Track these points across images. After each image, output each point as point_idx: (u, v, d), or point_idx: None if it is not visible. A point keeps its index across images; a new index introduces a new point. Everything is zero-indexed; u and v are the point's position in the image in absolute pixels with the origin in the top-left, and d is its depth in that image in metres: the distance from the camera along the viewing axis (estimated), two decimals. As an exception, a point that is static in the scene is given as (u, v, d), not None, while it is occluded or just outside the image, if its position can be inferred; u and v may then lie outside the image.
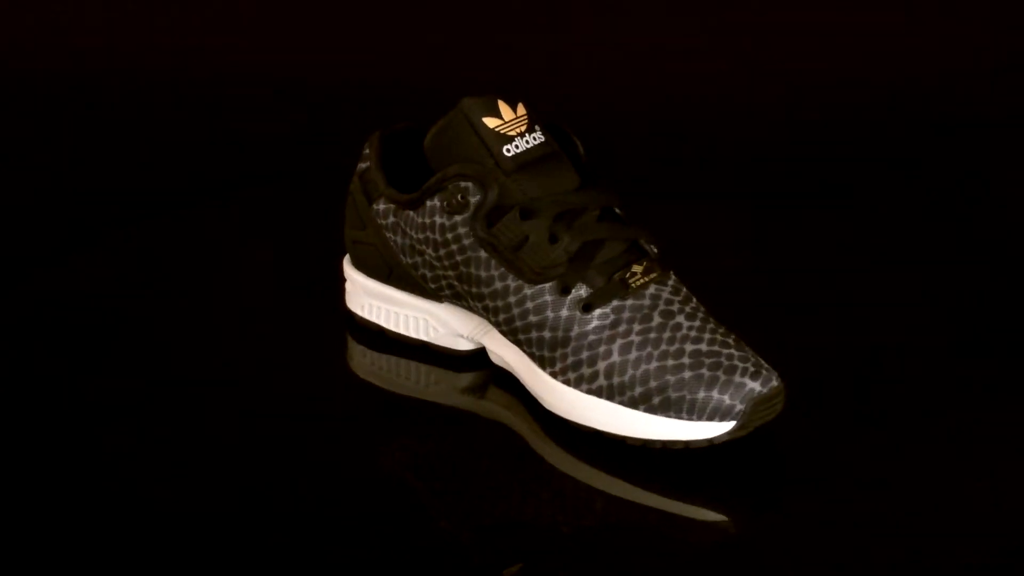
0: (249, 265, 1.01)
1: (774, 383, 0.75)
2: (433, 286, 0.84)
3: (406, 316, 0.87)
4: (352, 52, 1.39)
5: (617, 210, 0.81)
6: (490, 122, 0.80)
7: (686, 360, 0.75)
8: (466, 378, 0.85)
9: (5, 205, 1.15)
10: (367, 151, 0.87)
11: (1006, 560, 0.71)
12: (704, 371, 0.75)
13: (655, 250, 0.81)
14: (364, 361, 0.89)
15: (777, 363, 0.77)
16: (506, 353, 0.82)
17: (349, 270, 0.90)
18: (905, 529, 0.72)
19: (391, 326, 0.88)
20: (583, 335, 0.77)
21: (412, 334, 0.88)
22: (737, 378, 0.74)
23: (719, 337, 0.77)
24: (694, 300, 0.79)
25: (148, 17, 1.42)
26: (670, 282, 0.79)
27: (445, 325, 0.86)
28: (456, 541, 0.71)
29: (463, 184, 0.80)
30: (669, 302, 0.78)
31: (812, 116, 1.32)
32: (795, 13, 1.41)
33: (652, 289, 0.78)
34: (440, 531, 0.72)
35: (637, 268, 0.79)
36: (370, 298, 0.89)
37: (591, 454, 0.77)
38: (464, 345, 0.86)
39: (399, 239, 0.85)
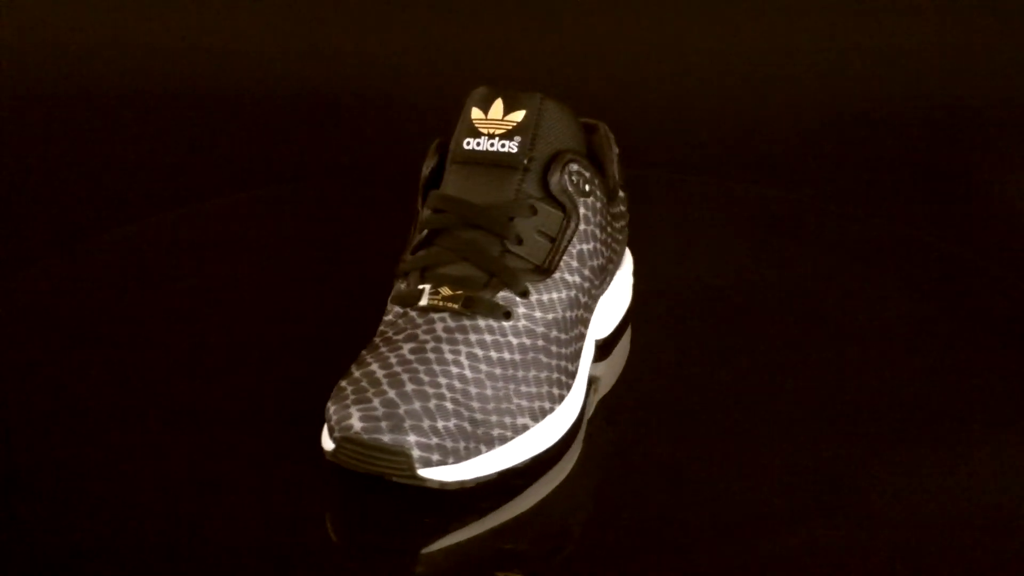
0: (256, 264, 1.00)
1: (384, 439, 0.71)
2: None
3: None
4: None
5: (512, 247, 0.78)
6: (474, 113, 0.81)
7: (358, 373, 0.74)
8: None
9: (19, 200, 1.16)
10: None
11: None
12: (348, 388, 0.74)
13: (516, 298, 0.77)
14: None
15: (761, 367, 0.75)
16: None
17: None
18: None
19: None
20: (382, 323, 0.79)
21: None
22: (353, 407, 0.72)
23: (405, 376, 0.73)
24: (478, 350, 0.75)
25: (150, 20, 1.44)
26: (469, 321, 0.76)
27: None
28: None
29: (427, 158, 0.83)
30: (430, 331, 0.76)
31: (814, 118, 1.33)
32: (796, 15, 1.42)
33: (438, 315, 0.77)
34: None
35: (446, 291, 0.77)
36: None
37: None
38: None
39: None
